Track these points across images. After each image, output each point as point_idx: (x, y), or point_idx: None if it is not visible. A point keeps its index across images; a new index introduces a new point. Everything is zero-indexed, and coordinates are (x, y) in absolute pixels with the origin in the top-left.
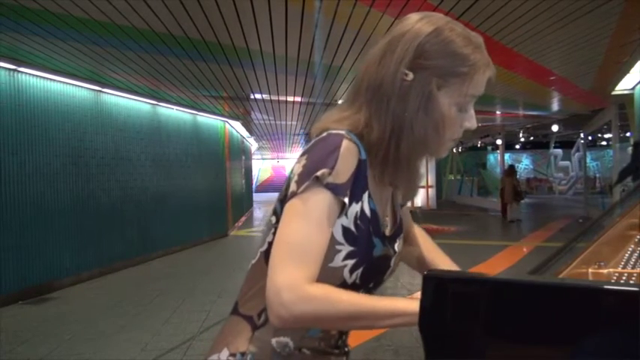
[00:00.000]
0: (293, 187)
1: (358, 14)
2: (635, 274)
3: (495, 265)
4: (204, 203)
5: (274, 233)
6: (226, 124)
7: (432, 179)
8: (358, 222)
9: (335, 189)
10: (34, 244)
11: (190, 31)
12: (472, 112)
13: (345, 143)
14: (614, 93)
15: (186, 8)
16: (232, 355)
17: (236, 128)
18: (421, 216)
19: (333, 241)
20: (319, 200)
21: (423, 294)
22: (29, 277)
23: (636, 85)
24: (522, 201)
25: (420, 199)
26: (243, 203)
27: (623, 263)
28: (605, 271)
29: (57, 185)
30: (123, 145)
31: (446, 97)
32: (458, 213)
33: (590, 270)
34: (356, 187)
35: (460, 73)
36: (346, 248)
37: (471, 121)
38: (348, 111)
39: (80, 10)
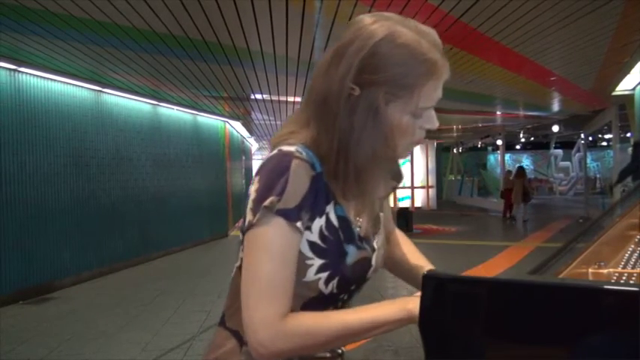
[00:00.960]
0: (249, 215)
1: (359, 14)
2: (635, 274)
3: (496, 266)
4: (205, 203)
5: (244, 250)
6: (227, 124)
7: (432, 179)
8: (325, 234)
9: (286, 215)
10: (34, 244)
11: (191, 31)
12: (432, 112)
13: (294, 164)
14: (614, 93)
15: (186, 8)
16: None
17: (236, 128)
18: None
19: (302, 256)
20: (276, 231)
21: (422, 294)
22: (30, 277)
23: (637, 85)
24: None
25: (420, 200)
26: (244, 203)
27: (623, 263)
28: (605, 271)
29: (57, 185)
30: (123, 145)
31: (396, 109)
32: (458, 213)
33: (590, 270)
34: (315, 202)
35: (408, 85)
36: (317, 262)
37: (431, 122)
38: (298, 124)
39: (81, 10)
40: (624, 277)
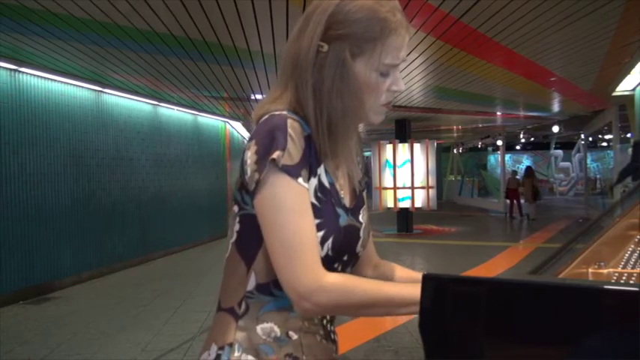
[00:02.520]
0: (255, 176)
1: None
2: (635, 274)
3: (496, 266)
4: (205, 204)
5: (240, 222)
6: (227, 124)
7: (432, 180)
8: (319, 194)
9: (290, 171)
10: (34, 244)
11: (191, 32)
12: (398, 74)
13: (289, 122)
14: (614, 94)
15: (187, 9)
16: (220, 348)
17: (237, 129)
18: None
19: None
20: (284, 188)
21: (422, 294)
22: (30, 276)
23: (637, 86)
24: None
25: (420, 200)
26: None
27: (623, 263)
28: (605, 271)
29: (58, 185)
30: (124, 146)
31: (362, 64)
32: (458, 214)
33: (590, 270)
34: (310, 161)
35: (371, 39)
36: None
37: (398, 84)
38: (278, 90)
39: (81, 11)
40: (624, 277)
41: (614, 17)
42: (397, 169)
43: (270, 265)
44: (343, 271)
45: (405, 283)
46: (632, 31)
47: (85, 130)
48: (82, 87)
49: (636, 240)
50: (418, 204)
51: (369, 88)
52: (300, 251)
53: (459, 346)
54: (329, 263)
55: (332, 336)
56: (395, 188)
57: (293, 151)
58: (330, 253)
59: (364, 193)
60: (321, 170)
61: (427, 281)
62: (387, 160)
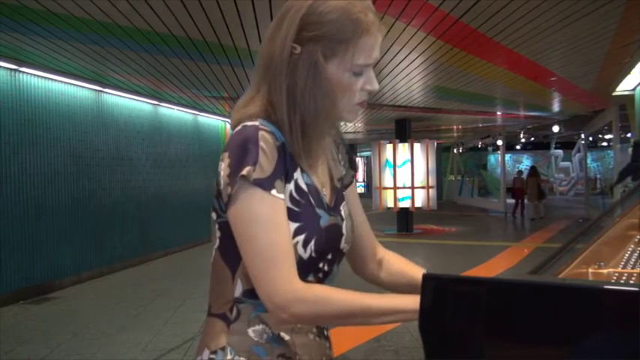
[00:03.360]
0: (227, 189)
1: None
2: (635, 274)
3: (496, 266)
4: (205, 203)
5: (219, 229)
6: (227, 124)
7: (432, 180)
8: (296, 198)
9: (262, 185)
10: (34, 244)
11: (192, 32)
12: (371, 74)
13: (261, 135)
14: (615, 94)
15: (187, 9)
16: (213, 352)
17: None
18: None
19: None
20: (257, 201)
21: (422, 294)
22: (30, 276)
23: (637, 85)
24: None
25: (420, 200)
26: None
27: (623, 263)
28: (605, 271)
29: (58, 185)
30: (124, 145)
31: (335, 65)
32: (458, 214)
33: (590, 270)
34: (285, 170)
35: (344, 40)
36: (292, 225)
37: (372, 84)
38: (252, 92)
39: (81, 11)
40: (624, 277)
41: (614, 17)
42: (397, 168)
43: None
44: (329, 269)
45: (384, 294)
46: (632, 31)
47: (85, 129)
48: (83, 87)
49: (636, 240)
50: (418, 204)
51: (343, 88)
52: (275, 263)
53: (459, 346)
54: (313, 264)
55: (325, 332)
56: (395, 188)
57: (265, 163)
58: (313, 254)
59: (354, 187)
60: (297, 174)
61: (427, 281)
62: (387, 160)
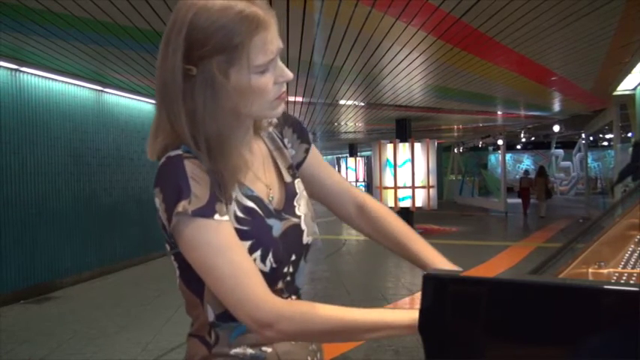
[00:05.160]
0: (168, 225)
1: (359, 15)
2: (635, 274)
3: (496, 266)
4: None
5: (175, 260)
6: None
7: (432, 179)
8: (241, 216)
9: (202, 213)
10: (35, 244)
11: None
12: (280, 65)
13: (186, 163)
14: (615, 93)
15: None
16: None
17: None
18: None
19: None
20: (202, 230)
21: (422, 294)
22: (31, 276)
23: (637, 85)
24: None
25: (421, 200)
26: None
27: (623, 263)
28: (605, 271)
29: (58, 185)
30: (124, 145)
31: (236, 74)
32: (459, 213)
33: (590, 270)
34: (221, 192)
35: (236, 45)
36: (245, 244)
37: (284, 75)
38: (156, 122)
39: (82, 10)
40: (624, 277)
41: (614, 17)
42: (398, 168)
43: None
44: (296, 268)
45: (373, 309)
46: (632, 30)
47: (85, 129)
48: (83, 86)
49: (636, 240)
50: (419, 203)
51: (251, 93)
52: (243, 285)
53: (459, 346)
54: (277, 273)
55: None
56: (395, 188)
57: (199, 192)
58: (274, 265)
59: (314, 153)
60: (236, 192)
61: (427, 281)
62: (387, 160)
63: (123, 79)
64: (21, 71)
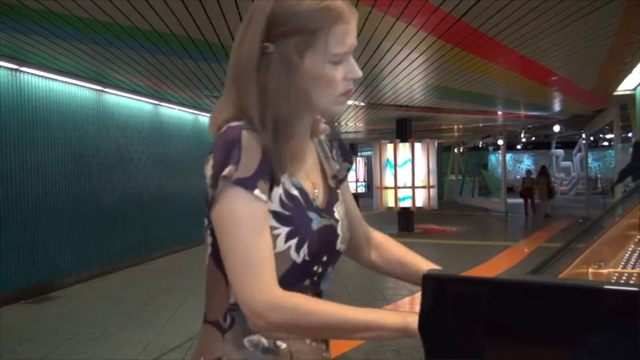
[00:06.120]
0: (210, 191)
1: (360, 15)
2: (635, 274)
3: (496, 266)
4: None
5: (212, 235)
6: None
7: (433, 179)
8: (285, 201)
9: (244, 184)
10: (35, 244)
11: (192, 31)
12: (352, 61)
13: (244, 134)
14: (615, 93)
15: (188, 8)
16: None
17: None
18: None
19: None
20: (239, 202)
21: (422, 295)
22: (31, 276)
23: (638, 85)
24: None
25: (421, 200)
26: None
27: (623, 263)
28: (605, 271)
29: (58, 185)
30: (124, 145)
31: (311, 58)
32: (459, 213)
33: (590, 270)
34: (270, 171)
35: (315, 30)
36: (283, 230)
37: (354, 71)
38: (227, 97)
39: (82, 10)
40: (624, 277)
41: (614, 17)
42: (398, 168)
43: None
44: (324, 270)
45: (369, 309)
46: (633, 30)
47: (85, 129)
48: (83, 86)
49: (636, 240)
50: (419, 203)
51: (322, 80)
52: (254, 268)
53: (459, 346)
54: (307, 267)
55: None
56: (396, 188)
57: (248, 163)
58: (307, 258)
59: (348, 189)
60: (285, 178)
61: (427, 281)
62: (387, 160)
63: (123, 79)
64: (21, 71)
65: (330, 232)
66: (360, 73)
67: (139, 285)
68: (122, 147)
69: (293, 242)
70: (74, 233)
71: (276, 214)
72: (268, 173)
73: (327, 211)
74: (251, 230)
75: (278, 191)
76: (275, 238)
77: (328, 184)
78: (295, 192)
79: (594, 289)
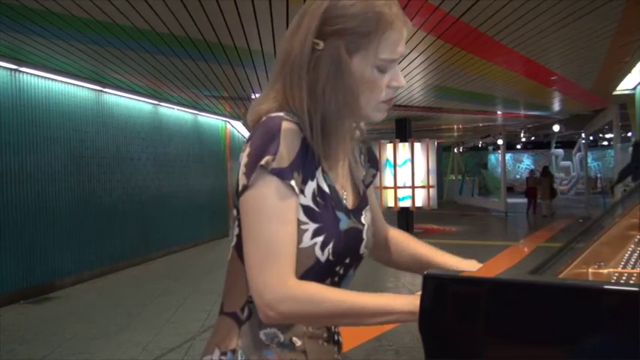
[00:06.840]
0: (243, 179)
1: None
2: (635, 274)
3: (496, 265)
4: (206, 203)
5: (239, 226)
6: (227, 124)
7: (432, 179)
8: (317, 199)
9: (280, 174)
10: (35, 244)
11: (192, 31)
12: (397, 70)
13: (284, 125)
14: (615, 93)
15: (187, 8)
16: (223, 354)
17: (237, 128)
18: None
19: (297, 222)
20: (271, 190)
21: (423, 294)
22: (31, 276)
23: (637, 85)
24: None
25: (421, 199)
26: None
27: (623, 263)
28: (605, 271)
29: (58, 185)
30: (124, 145)
31: (359, 60)
32: (459, 213)
33: (590, 270)
34: (306, 165)
35: (368, 34)
36: (311, 226)
37: (398, 80)
38: (267, 90)
39: (81, 10)
40: (624, 277)
41: (614, 16)
42: (398, 168)
43: None
44: (346, 272)
45: (380, 294)
46: (633, 30)
47: (85, 129)
48: (83, 86)
49: (636, 240)
50: (419, 203)
51: (367, 84)
52: (273, 258)
53: (460, 345)
54: (331, 267)
55: (335, 337)
56: (395, 188)
57: (285, 153)
58: (331, 257)
59: (372, 189)
60: (319, 174)
61: (427, 281)
62: (387, 160)
63: (122, 79)
64: (20, 71)
65: (355, 234)
66: (404, 83)
67: (139, 285)
68: (121, 147)
69: (319, 240)
70: (74, 233)
71: (306, 209)
72: (304, 166)
73: (355, 213)
74: (277, 220)
75: (312, 186)
76: (302, 233)
77: (357, 187)
78: (327, 189)
79: (594, 289)
